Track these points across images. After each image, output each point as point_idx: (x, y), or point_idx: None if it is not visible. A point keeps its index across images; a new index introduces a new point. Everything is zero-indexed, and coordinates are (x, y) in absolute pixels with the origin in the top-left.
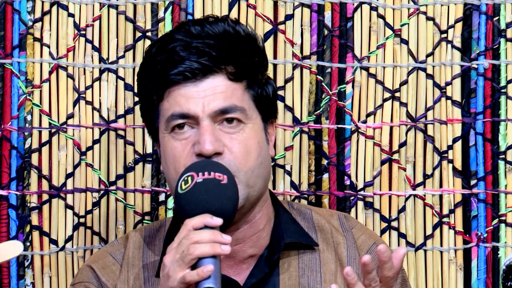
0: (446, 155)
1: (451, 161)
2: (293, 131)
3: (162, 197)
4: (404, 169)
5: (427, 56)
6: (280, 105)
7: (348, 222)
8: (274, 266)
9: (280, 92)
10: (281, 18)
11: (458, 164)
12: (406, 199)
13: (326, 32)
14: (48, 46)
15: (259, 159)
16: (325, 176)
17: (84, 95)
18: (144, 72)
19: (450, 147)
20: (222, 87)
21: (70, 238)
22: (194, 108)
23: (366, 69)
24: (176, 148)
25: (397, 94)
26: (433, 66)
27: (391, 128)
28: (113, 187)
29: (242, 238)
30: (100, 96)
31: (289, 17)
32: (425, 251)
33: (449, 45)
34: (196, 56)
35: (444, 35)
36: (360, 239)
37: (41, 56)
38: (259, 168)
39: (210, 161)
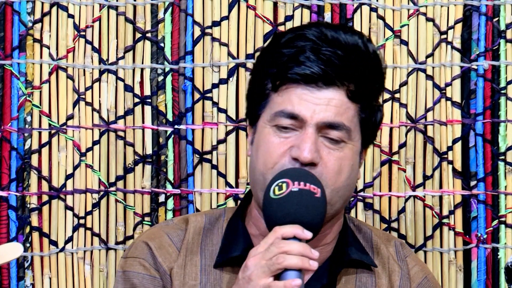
0: (446, 156)
1: (451, 162)
2: None
3: (162, 198)
4: (404, 170)
5: (427, 57)
6: None
7: (403, 250)
8: (333, 279)
9: None
10: (281, 19)
11: (458, 165)
12: (406, 200)
13: None
14: (48, 47)
15: (347, 180)
16: None
17: (84, 96)
18: (267, 57)
19: (450, 148)
20: (338, 101)
21: (70, 239)
22: (305, 111)
23: None
24: (273, 143)
25: (397, 95)
26: (433, 67)
27: (391, 129)
28: (113, 188)
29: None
30: (100, 97)
31: (289, 18)
32: (425, 252)
33: (449, 46)
34: (324, 64)
35: (444, 36)
36: (413, 270)
37: (41, 57)
38: (345, 189)
39: (306, 171)
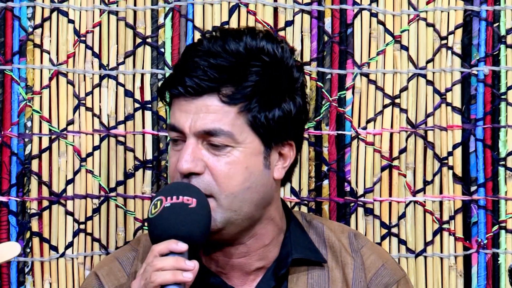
0: (446, 161)
1: (451, 168)
2: None
3: None
4: (404, 176)
5: (427, 62)
6: None
7: (357, 241)
8: (282, 280)
9: None
10: (281, 24)
11: (458, 171)
12: (406, 205)
13: (326, 38)
14: (48, 53)
15: (246, 184)
16: (325, 182)
17: (84, 102)
18: (163, 81)
19: (450, 154)
20: (214, 108)
21: (70, 244)
22: (183, 123)
23: (366, 75)
24: (171, 158)
25: (397, 101)
26: (433, 73)
27: (391, 134)
28: (113, 194)
29: (248, 252)
30: (100, 102)
31: (289, 23)
32: (425, 257)
33: (449, 52)
34: (197, 74)
35: (444, 42)
36: (370, 259)
37: (41, 62)
38: (245, 193)
39: (181, 184)
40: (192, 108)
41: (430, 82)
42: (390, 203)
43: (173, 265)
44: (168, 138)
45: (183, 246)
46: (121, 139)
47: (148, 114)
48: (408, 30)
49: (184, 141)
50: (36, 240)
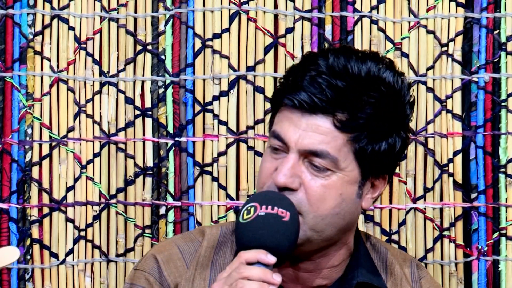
0: (446, 168)
1: (451, 175)
2: None
3: (162, 210)
4: (405, 183)
5: (428, 69)
6: None
7: (418, 271)
8: None
9: None
10: (281, 31)
11: (459, 178)
12: (407, 212)
13: (326, 45)
14: (49, 60)
15: (336, 209)
16: None
17: (84, 109)
18: (284, 78)
19: (450, 161)
20: (325, 130)
21: (71, 251)
22: (290, 136)
23: None
24: (266, 162)
25: None
26: (434, 80)
27: None
28: (113, 200)
29: (315, 269)
30: (100, 109)
31: (290, 30)
32: (426, 264)
33: (450, 59)
34: (314, 91)
35: (444, 49)
36: None
37: (42, 69)
38: (333, 218)
39: (277, 194)
40: (302, 124)
41: (430, 89)
42: (390, 210)
43: (260, 276)
44: (168, 145)
45: (272, 259)
46: (122, 146)
47: (148, 121)
48: (409, 37)
49: (285, 152)
50: (36, 247)
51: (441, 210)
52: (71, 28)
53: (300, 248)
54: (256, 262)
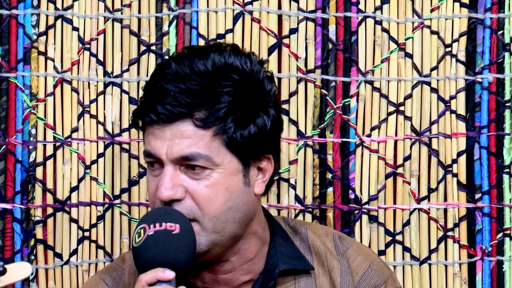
0: (450, 169)
1: (455, 175)
2: (297, 145)
3: None
4: (409, 183)
5: (432, 70)
6: (284, 118)
7: (342, 243)
8: None
9: (285, 106)
10: (285, 31)
11: (463, 178)
12: (411, 213)
13: (330, 46)
14: (53, 60)
15: (227, 204)
16: (330, 190)
17: (88, 109)
18: (140, 99)
19: (454, 161)
20: (189, 132)
21: (75, 251)
22: (159, 150)
23: (371, 82)
24: (149, 184)
25: (401, 108)
26: (438, 80)
27: (396, 142)
28: (117, 201)
29: (233, 268)
30: (104, 109)
31: (294, 30)
32: (430, 265)
33: (454, 59)
34: (167, 101)
35: (448, 49)
36: (356, 261)
37: (46, 69)
38: (227, 214)
39: (162, 210)
40: (167, 135)
41: (434, 90)
42: (394, 211)
43: None
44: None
45: (170, 274)
46: (126, 146)
47: None
48: (413, 37)
49: (162, 166)
50: (40, 248)
51: (445, 210)
52: (75, 29)
53: (208, 254)
54: (156, 282)
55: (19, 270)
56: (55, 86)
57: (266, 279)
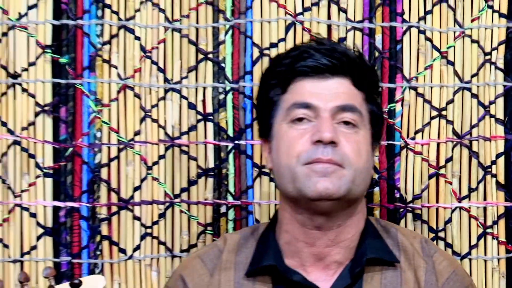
0: (490, 169)
1: (494, 176)
2: None
3: (223, 209)
4: (451, 183)
5: (472, 76)
6: None
7: (429, 247)
8: (357, 279)
9: None
10: (334, 40)
11: (501, 178)
12: (452, 211)
13: (376, 54)
14: (116, 67)
15: (366, 164)
16: (376, 189)
17: (150, 113)
18: (270, 69)
19: (493, 162)
20: (346, 89)
21: (138, 247)
22: (317, 100)
23: (415, 88)
24: (292, 135)
25: (443, 113)
26: (478, 86)
27: (438, 144)
28: (177, 200)
29: (332, 241)
30: (165, 114)
31: (342, 40)
32: (470, 260)
33: (493, 66)
34: (327, 56)
35: (488, 57)
36: (442, 265)
37: (110, 76)
38: (365, 172)
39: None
40: (326, 87)
41: (474, 95)
42: (437, 209)
43: None
44: (228, 147)
45: None
46: (185, 148)
47: (210, 125)
48: (454, 46)
49: (312, 121)
50: (106, 243)
51: (485, 209)
52: (137, 38)
53: (341, 200)
54: None
55: (94, 282)
56: (118, 92)
57: (355, 265)
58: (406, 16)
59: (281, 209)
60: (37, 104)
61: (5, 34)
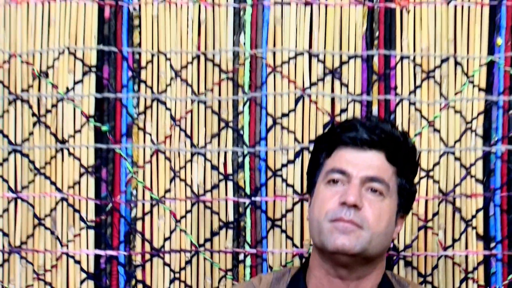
0: (470, 223)
1: (474, 228)
2: None
3: (241, 257)
4: (437, 234)
5: (455, 142)
6: None
7: None
8: None
9: None
10: (337, 111)
11: (481, 231)
12: (438, 258)
13: None
14: (150, 134)
15: (386, 229)
16: None
17: (178, 174)
18: (323, 135)
19: (474, 217)
20: (379, 162)
21: None
22: (351, 168)
23: None
24: (326, 194)
25: (431, 173)
26: (460, 151)
27: (426, 201)
28: (202, 249)
29: (357, 279)
30: (191, 174)
31: (344, 110)
32: None
33: (473, 133)
34: (369, 132)
35: (469, 125)
36: None
37: (144, 142)
38: (383, 237)
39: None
40: (361, 158)
41: (457, 159)
42: (425, 257)
43: None
44: (246, 203)
45: None
46: (208, 204)
47: (230, 184)
48: (440, 116)
49: (344, 184)
50: (140, 286)
51: (466, 257)
52: (168, 109)
53: (356, 256)
54: None
55: None
56: (151, 156)
57: None
58: (398, 90)
59: (312, 256)
60: (81, 166)
61: (54, 106)
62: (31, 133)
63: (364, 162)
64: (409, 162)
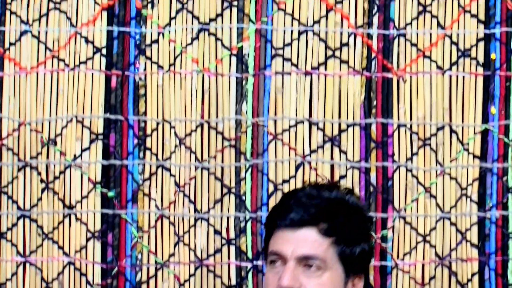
0: (466, 286)
1: None
2: None
3: None
4: None
5: (451, 208)
6: None
7: None
8: None
9: None
10: (336, 177)
11: None
12: None
13: (371, 189)
14: (155, 200)
15: None
16: None
17: (182, 238)
18: (267, 218)
19: (469, 280)
20: (312, 238)
21: None
22: (285, 250)
23: (403, 218)
24: (268, 276)
25: (427, 238)
26: (456, 216)
27: (423, 265)
28: None
29: None
30: (195, 239)
31: (343, 177)
32: None
33: (468, 199)
34: (300, 210)
35: (464, 192)
36: None
37: (149, 208)
38: None
39: None
40: (294, 238)
41: (453, 224)
42: None
43: None
44: (248, 267)
45: None
46: (211, 268)
47: (232, 248)
48: (436, 182)
49: (283, 263)
50: None
51: None
52: (172, 175)
53: None
54: None
55: None
56: (156, 221)
57: None
58: (396, 157)
59: None
60: (88, 231)
61: (62, 172)
62: (39, 199)
63: (297, 240)
64: (349, 227)
